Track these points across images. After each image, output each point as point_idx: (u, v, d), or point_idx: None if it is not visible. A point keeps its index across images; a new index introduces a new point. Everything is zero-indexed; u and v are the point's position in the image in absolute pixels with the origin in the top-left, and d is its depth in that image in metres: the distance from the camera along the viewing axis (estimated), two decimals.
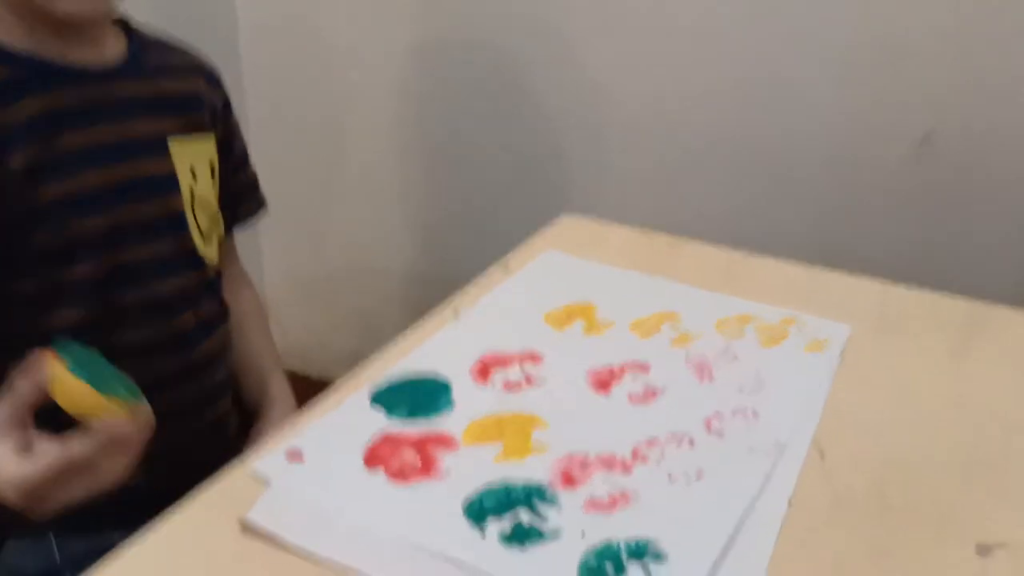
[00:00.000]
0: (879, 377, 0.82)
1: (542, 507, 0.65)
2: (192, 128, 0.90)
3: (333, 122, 1.70)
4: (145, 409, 0.67)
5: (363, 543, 0.61)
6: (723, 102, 1.35)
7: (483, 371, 0.80)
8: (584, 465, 0.69)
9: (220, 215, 0.94)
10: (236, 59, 1.71)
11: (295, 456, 0.69)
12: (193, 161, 0.90)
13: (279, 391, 1.03)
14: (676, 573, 0.59)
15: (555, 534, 0.62)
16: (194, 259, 0.90)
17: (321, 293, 1.86)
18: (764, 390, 0.79)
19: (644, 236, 1.08)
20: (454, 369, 0.80)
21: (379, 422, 0.73)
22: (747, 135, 1.35)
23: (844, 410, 0.77)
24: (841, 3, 1.23)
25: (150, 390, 0.68)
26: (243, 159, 1.02)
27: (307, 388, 0.89)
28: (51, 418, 0.64)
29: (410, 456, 0.69)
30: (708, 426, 0.74)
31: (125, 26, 0.89)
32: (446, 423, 0.73)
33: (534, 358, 0.83)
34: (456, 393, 0.77)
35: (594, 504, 0.65)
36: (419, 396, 0.76)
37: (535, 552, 0.61)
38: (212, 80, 0.96)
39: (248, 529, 0.62)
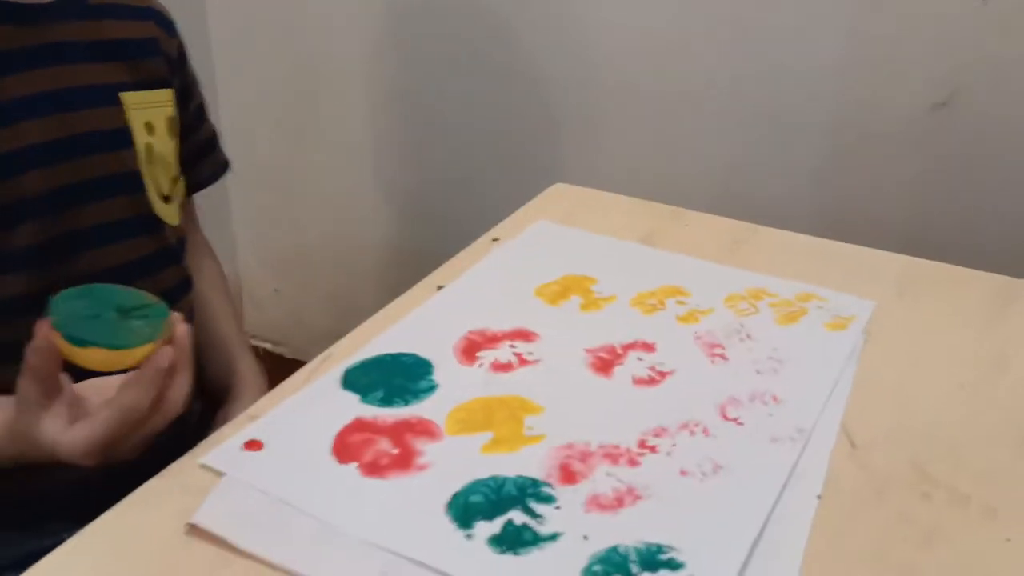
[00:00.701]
0: (909, 352, 0.75)
1: (537, 506, 0.56)
2: (147, 78, 0.83)
3: (307, 84, 1.62)
4: (173, 320, 0.60)
5: (328, 548, 0.53)
6: (726, 64, 1.26)
7: (468, 350, 0.72)
8: (585, 457, 0.61)
9: (182, 177, 0.86)
10: (202, 22, 1.62)
11: (253, 445, 0.61)
12: (149, 116, 0.82)
13: (248, 370, 0.95)
14: None
15: (553, 538, 0.54)
16: (151, 222, 0.82)
17: (296, 268, 1.79)
18: (783, 372, 0.71)
19: (644, 205, 1.00)
20: (436, 348, 0.72)
21: (351, 407, 0.65)
22: (751, 98, 1.27)
23: (874, 390, 0.69)
24: None
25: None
26: (200, 114, 0.93)
27: (281, 369, 0.81)
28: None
29: (385, 446, 0.61)
30: (723, 412, 0.66)
31: None
32: (427, 408, 0.65)
33: (526, 336, 0.74)
34: (438, 374, 0.69)
35: (597, 502, 0.57)
36: (396, 378, 0.68)
37: (530, 559, 0.53)
38: (165, 24, 0.87)
39: (197, 529, 0.54)
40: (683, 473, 0.60)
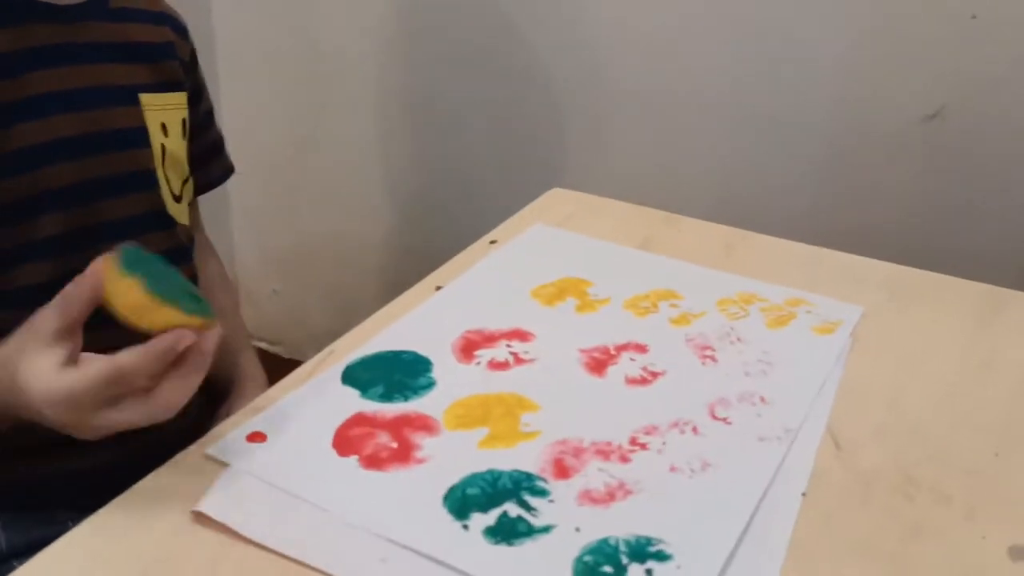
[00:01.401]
0: (894, 357, 0.76)
1: (532, 499, 0.58)
2: (164, 81, 0.85)
3: (306, 84, 1.62)
4: (214, 328, 0.57)
5: (328, 538, 0.55)
6: (724, 73, 1.28)
7: (466, 348, 0.74)
8: (578, 453, 0.62)
9: (192, 177, 0.88)
10: (207, 20, 1.63)
11: (257, 437, 0.62)
12: (164, 117, 0.84)
13: (250, 366, 0.96)
14: (683, 575, 0.53)
15: (546, 529, 0.56)
16: (164, 220, 0.84)
17: (295, 268, 1.80)
18: (772, 374, 0.73)
19: (639, 211, 1.02)
20: (434, 346, 0.74)
21: (352, 402, 0.67)
22: (748, 106, 1.28)
23: (860, 393, 0.71)
24: None
25: None
26: (209, 118, 0.95)
27: (277, 368, 0.82)
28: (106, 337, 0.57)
29: (385, 440, 0.63)
30: (712, 412, 0.68)
31: None
32: (426, 404, 0.67)
33: (522, 336, 0.76)
34: (437, 372, 0.71)
35: (589, 496, 0.59)
36: (396, 374, 0.70)
37: (524, 549, 0.54)
38: (179, 30, 0.89)
39: (201, 517, 0.56)
40: (673, 469, 0.61)
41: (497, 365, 0.72)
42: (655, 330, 0.78)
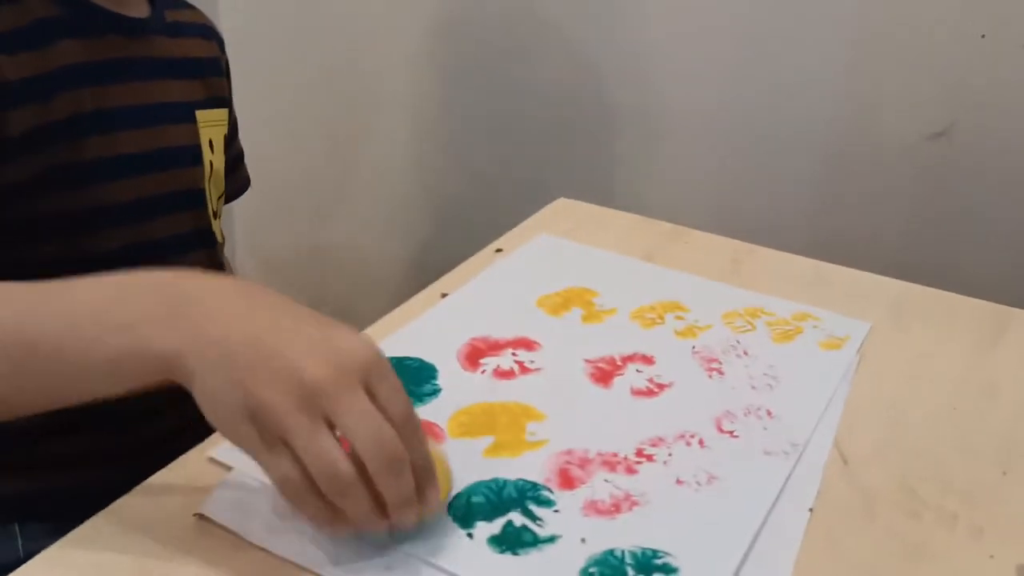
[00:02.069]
0: (900, 373, 0.76)
1: (537, 509, 0.58)
2: (213, 97, 0.84)
3: (311, 92, 1.62)
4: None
5: (331, 544, 0.54)
6: (731, 89, 1.28)
7: (472, 356, 0.73)
8: (584, 463, 0.62)
9: (224, 192, 0.87)
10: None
11: None
12: (212, 134, 0.84)
13: None
14: None
15: (551, 540, 0.55)
16: (208, 238, 0.83)
17: (295, 276, 1.79)
18: (778, 388, 0.72)
19: (646, 223, 1.01)
20: (439, 353, 0.73)
21: None
22: (755, 122, 1.29)
23: (866, 409, 0.71)
24: None
25: None
26: (235, 131, 0.94)
27: None
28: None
29: None
30: (719, 425, 0.67)
31: None
32: (430, 411, 0.66)
33: (528, 345, 0.76)
34: (442, 379, 0.70)
35: (595, 507, 0.58)
36: (401, 380, 0.69)
37: (528, 559, 0.54)
38: (221, 43, 0.89)
39: (203, 520, 0.55)
40: (679, 482, 0.61)
41: (503, 373, 0.72)
42: (661, 342, 0.78)
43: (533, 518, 0.57)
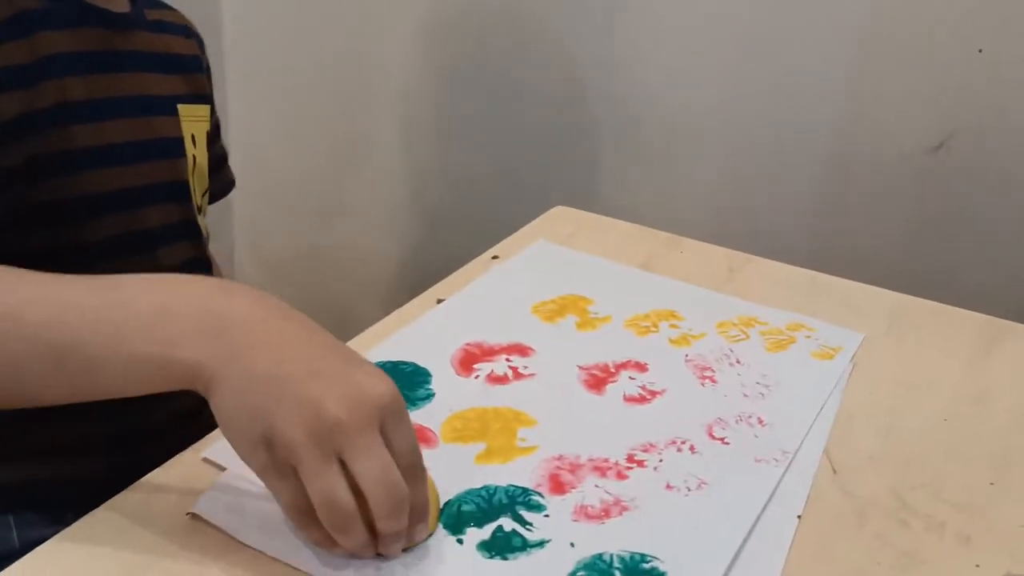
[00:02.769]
0: (894, 385, 0.76)
1: (527, 514, 0.58)
2: (194, 93, 0.86)
3: (310, 94, 1.62)
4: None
5: None
6: (729, 97, 1.29)
7: (466, 361, 0.74)
8: (575, 469, 0.62)
9: (208, 190, 0.88)
10: (218, 30, 1.63)
11: None
12: (194, 129, 0.85)
13: None
14: None
15: (541, 544, 0.56)
16: (193, 230, 0.85)
17: (294, 280, 1.79)
18: (770, 397, 0.73)
19: (642, 231, 1.02)
20: (434, 358, 0.74)
21: None
22: (752, 131, 1.29)
23: (858, 419, 0.71)
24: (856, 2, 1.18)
25: None
26: (217, 131, 0.96)
27: None
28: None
29: None
30: (710, 432, 0.68)
31: None
32: (423, 416, 0.67)
33: (522, 351, 0.76)
34: (436, 384, 0.71)
35: (585, 512, 0.59)
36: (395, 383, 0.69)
37: (518, 564, 0.54)
38: (201, 43, 0.91)
39: (196, 520, 0.56)
40: (669, 487, 0.61)
41: (496, 379, 0.72)
42: (655, 349, 0.78)
43: (523, 523, 0.57)
